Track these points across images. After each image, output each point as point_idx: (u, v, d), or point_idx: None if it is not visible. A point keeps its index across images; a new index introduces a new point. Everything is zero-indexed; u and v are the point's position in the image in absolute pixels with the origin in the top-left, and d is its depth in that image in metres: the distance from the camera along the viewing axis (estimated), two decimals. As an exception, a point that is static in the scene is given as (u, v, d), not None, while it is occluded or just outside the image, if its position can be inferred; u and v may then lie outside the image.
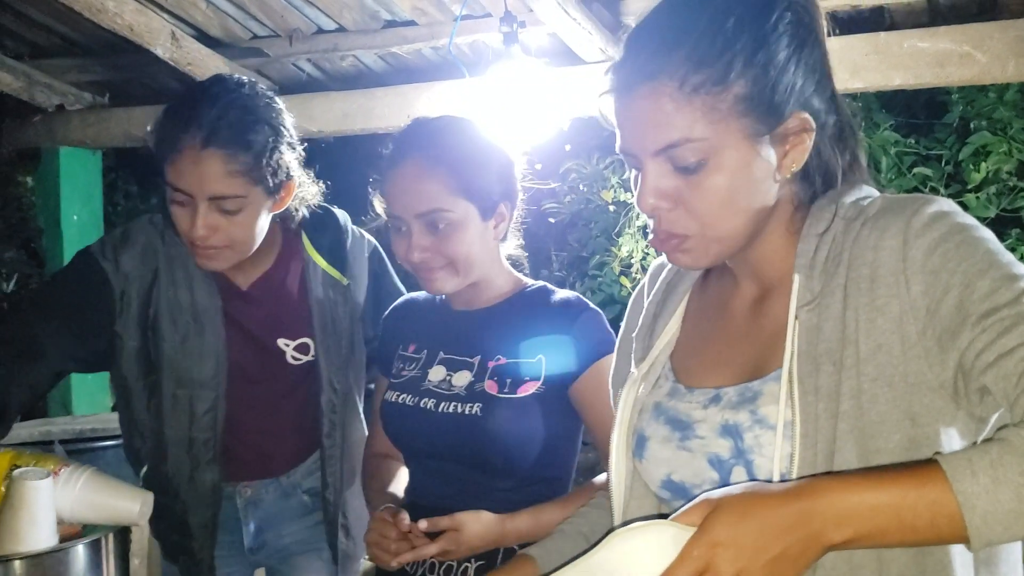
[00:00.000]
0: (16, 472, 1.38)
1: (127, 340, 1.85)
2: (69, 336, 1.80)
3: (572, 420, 1.62)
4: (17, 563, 1.35)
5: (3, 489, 1.42)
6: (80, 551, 1.39)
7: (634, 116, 1.05)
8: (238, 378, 1.91)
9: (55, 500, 1.40)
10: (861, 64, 2.64)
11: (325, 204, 2.00)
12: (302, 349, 1.95)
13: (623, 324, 1.35)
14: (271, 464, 2.03)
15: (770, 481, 1.00)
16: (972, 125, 3.87)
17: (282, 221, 1.90)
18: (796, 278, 1.06)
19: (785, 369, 1.02)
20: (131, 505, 1.49)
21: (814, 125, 1.05)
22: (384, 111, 3.07)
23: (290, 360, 1.94)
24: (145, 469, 1.95)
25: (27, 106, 3.91)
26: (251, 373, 1.93)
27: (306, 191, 1.90)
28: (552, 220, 4.59)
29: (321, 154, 2.28)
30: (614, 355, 1.41)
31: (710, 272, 1.24)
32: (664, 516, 0.94)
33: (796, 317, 1.04)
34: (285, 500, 2.05)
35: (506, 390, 1.56)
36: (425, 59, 3.54)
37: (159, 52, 3.04)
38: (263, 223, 1.78)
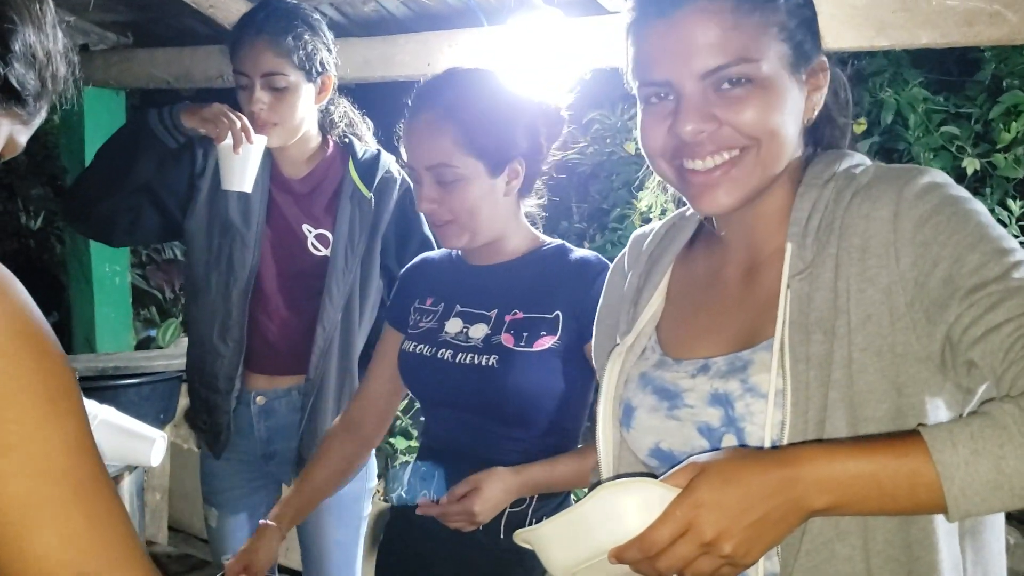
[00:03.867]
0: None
1: (200, 193, 2.26)
2: (164, 169, 2.20)
3: (587, 375, 1.63)
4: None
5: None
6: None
7: (679, 38, 1.02)
8: (268, 257, 2.27)
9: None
10: (888, 21, 2.58)
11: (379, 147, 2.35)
12: (322, 240, 2.27)
13: (602, 295, 1.34)
14: (274, 360, 2.26)
15: (759, 448, 1.01)
16: (1004, 83, 3.77)
17: (331, 139, 2.34)
18: (788, 247, 1.06)
19: (777, 338, 1.02)
20: (145, 447, 1.54)
21: (828, 66, 1.07)
22: (405, 59, 3.04)
23: (310, 248, 2.26)
24: (189, 312, 2.37)
25: (52, 45, 3.91)
26: (278, 255, 2.28)
27: (349, 110, 2.39)
28: (571, 172, 4.57)
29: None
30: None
31: (695, 243, 1.24)
32: (653, 476, 0.96)
33: (788, 286, 1.04)
34: (295, 414, 2.25)
35: (522, 343, 1.58)
36: (448, 5, 3.49)
37: (182, -6, 3.04)
38: (305, 108, 2.19)
